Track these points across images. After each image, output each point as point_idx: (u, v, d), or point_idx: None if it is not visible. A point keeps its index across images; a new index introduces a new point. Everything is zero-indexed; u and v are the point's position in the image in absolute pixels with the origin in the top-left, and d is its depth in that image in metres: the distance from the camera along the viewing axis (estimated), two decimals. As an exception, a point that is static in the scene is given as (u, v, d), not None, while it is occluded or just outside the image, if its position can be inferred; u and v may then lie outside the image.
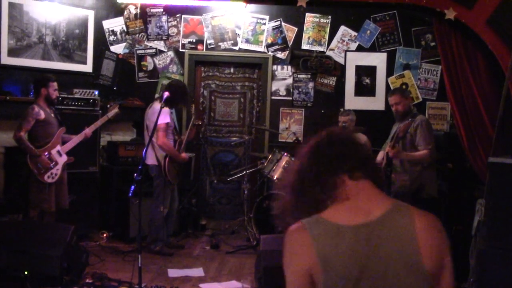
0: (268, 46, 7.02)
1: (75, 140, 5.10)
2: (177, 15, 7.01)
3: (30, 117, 4.80)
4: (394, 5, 5.05)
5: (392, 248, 1.41)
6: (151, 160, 5.28)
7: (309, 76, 7.01)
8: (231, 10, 6.92)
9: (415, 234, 1.42)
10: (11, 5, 5.83)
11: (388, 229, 1.43)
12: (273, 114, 7.07)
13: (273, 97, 7.07)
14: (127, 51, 7.02)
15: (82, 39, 6.50)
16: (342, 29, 6.97)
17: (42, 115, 4.87)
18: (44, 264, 4.00)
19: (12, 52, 5.84)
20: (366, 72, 6.99)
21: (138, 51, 7.04)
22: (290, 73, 7.04)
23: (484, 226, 3.64)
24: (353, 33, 6.96)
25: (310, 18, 6.96)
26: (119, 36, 6.96)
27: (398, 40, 6.94)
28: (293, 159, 5.81)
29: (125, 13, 6.97)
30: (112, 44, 6.94)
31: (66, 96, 5.73)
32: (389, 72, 6.96)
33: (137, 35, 7.03)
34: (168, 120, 5.19)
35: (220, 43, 7.03)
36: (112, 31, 6.93)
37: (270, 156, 5.94)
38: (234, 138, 7.21)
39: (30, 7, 5.98)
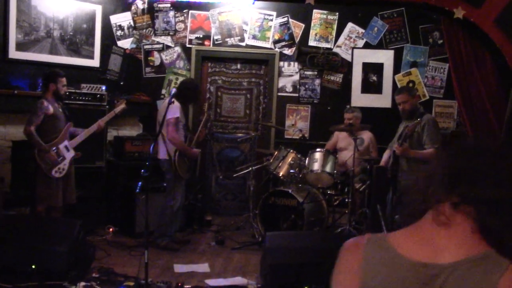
0: (275, 42, 7.01)
1: (86, 132, 5.12)
2: (184, 11, 7.01)
3: (39, 111, 4.82)
4: (403, 3, 5.03)
5: None
6: (162, 154, 5.30)
7: (315, 72, 7.01)
8: (238, 6, 6.92)
9: None
10: None
11: (456, 281, 1.08)
12: (279, 111, 7.07)
13: (279, 94, 7.07)
14: (134, 46, 7.03)
15: (89, 34, 6.51)
16: (350, 26, 6.95)
17: (51, 109, 4.89)
18: (50, 259, 4.03)
19: (20, 47, 5.85)
20: (373, 70, 6.97)
21: (145, 46, 7.05)
22: (297, 70, 7.03)
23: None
24: (361, 30, 6.95)
25: (317, 15, 6.95)
26: (126, 31, 6.97)
27: (405, 37, 6.91)
28: (299, 156, 5.83)
29: (133, 8, 6.98)
30: (119, 39, 6.95)
31: (73, 91, 5.75)
32: (396, 69, 6.94)
33: (144, 30, 7.03)
34: (177, 114, 5.21)
35: (227, 39, 7.02)
36: (120, 26, 6.94)
37: (276, 153, 5.95)
38: (240, 134, 7.22)
39: (38, 1, 5.99)
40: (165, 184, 5.47)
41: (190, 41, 7.05)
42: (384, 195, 4.34)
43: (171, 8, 7.00)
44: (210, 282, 4.32)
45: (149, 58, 7.06)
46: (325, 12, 6.93)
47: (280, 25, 6.98)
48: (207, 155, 7.16)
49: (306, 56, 6.91)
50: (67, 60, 6.27)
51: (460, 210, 1.13)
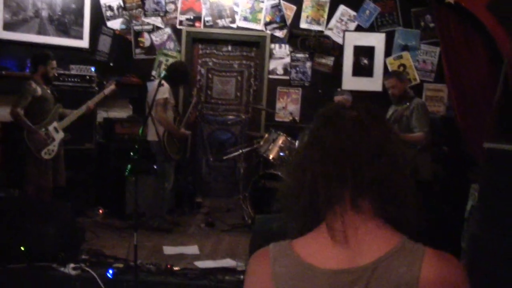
0: (266, 24, 6.96)
1: (75, 114, 5.08)
2: (175, -9, 6.93)
3: (27, 93, 4.77)
4: (395, -14, 5.00)
5: None
6: (151, 136, 5.30)
7: (307, 55, 6.98)
8: (229, -13, 6.85)
9: (416, 286, 1.02)
10: (7, -22, 5.75)
11: (379, 280, 1.03)
12: (270, 93, 7.05)
13: (270, 76, 7.04)
14: (124, 27, 6.95)
15: (78, 14, 6.42)
16: (341, 8, 6.91)
17: (39, 91, 4.85)
18: (40, 241, 4.03)
19: (7, 27, 5.78)
20: (364, 53, 6.95)
21: (135, 27, 6.97)
22: (288, 52, 7.00)
23: (477, 211, 3.68)
24: (352, 13, 6.91)
25: (309, -3, 6.90)
26: (116, 11, 6.88)
27: (397, 20, 6.88)
28: (289, 139, 5.83)
29: (122, -12, 6.89)
30: (108, 20, 6.86)
31: (62, 72, 5.70)
32: (388, 53, 6.92)
33: (134, 11, 6.94)
34: (166, 95, 5.19)
35: (218, 21, 6.96)
36: (109, 6, 6.84)
37: (266, 136, 5.95)
38: (231, 117, 7.21)
39: (25, -20, 5.90)
40: (155, 166, 5.47)
41: (181, 22, 6.98)
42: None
43: (162, -12, 6.91)
44: (200, 264, 4.34)
45: (139, 39, 6.99)
46: (317, -6, 6.88)
47: (272, 7, 6.92)
48: (197, 137, 7.15)
49: (298, 38, 6.87)
50: (56, 41, 6.20)
51: (361, 207, 1.07)
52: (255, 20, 6.95)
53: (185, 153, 6.19)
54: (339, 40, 6.94)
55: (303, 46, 6.88)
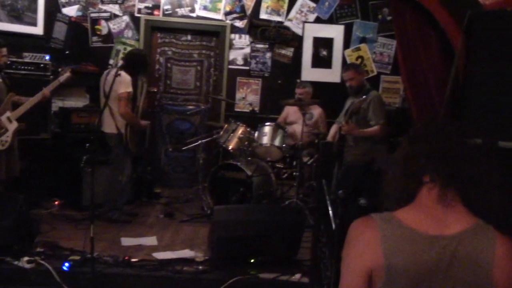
0: (226, 14, 6.93)
1: (30, 101, 4.93)
2: (133, -22, 6.80)
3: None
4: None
5: (464, 269, 1.33)
6: (109, 128, 5.20)
7: (267, 46, 7.00)
8: (189, -25, 6.77)
9: (493, 259, 1.33)
10: (-45, -39, 5.52)
11: (464, 248, 1.34)
12: (230, 84, 7.05)
13: (230, 66, 7.03)
14: (80, 14, 6.78)
15: (32, 0, 6.22)
16: (301, 0, 6.96)
17: (-11, 80, 4.69)
18: (-7, 234, 3.93)
19: (-44, 11, 5.55)
20: (323, 44, 7.03)
21: (92, 15, 6.81)
22: (248, 43, 7.00)
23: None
24: (312, 4, 6.97)
25: (269, -13, 6.91)
26: (72, -3, 6.71)
27: (355, 13, 6.99)
28: (249, 129, 5.86)
29: (78, -27, 6.71)
30: (64, 6, 6.69)
31: (15, 60, 5.52)
32: (346, 44, 7.03)
33: (91, -3, 6.79)
34: (130, 89, 5.12)
35: (177, 9, 6.89)
36: (65, -8, 6.67)
37: (226, 126, 5.95)
38: (190, 107, 7.17)
39: (-25, -37, 5.68)
40: (112, 157, 5.39)
41: (139, 10, 6.87)
42: (330, 170, 4.45)
43: (119, -25, 6.78)
44: (158, 255, 4.33)
45: (96, 26, 6.84)
46: (277, -15, 6.90)
47: (232, -3, 6.90)
48: (156, 127, 7.08)
49: (258, 29, 6.88)
50: (8, 27, 6.01)
51: (451, 190, 1.39)
52: (215, 10, 6.91)
53: (143, 144, 6.12)
54: (298, 31, 6.99)
55: (263, 36, 6.89)
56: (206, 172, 5.99)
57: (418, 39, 4.79)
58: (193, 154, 7.03)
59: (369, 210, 1.52)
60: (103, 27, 6.85)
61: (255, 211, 4.54)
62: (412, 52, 4.84)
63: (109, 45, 6.87)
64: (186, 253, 4.43)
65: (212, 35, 7.11)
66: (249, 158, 5.84)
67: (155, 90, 6.97)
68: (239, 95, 7.06)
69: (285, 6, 6.96)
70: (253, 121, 6.20)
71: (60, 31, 6.61)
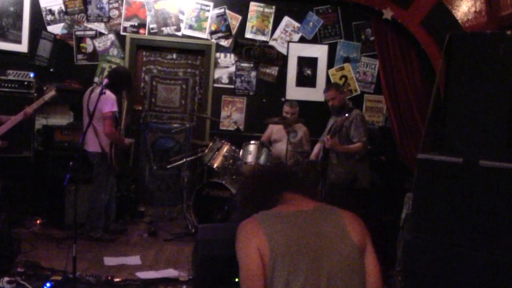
0: (212, 33, 6.99)
1: (13, 120, 4.88)
2: (119, -3, 6.84)
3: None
4: (336, 1, 5.16)
5: (325, 226, 1.79)
6: (93, 147, 5.18)
7: (251, 65, 7.06)
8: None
9: (343, 220, 1.83)
10: None
11: (320, 215, 1.85)
12: (215, 102, 7.07)
13: (215, 85, 7.07)
14: (65, 31, 6.78)
15: (17, 17, 6.23)
16: (286, 19, 7.04)
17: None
18: (-28, 253, 3.87)
19: None
20: (307, 63, 7.11)
21: (77, 33, 6.82)
22: (233, 61, 7.06)
23: (411, 219, 3.83)
24: (296, 24, 7.06)
25: (254, 7, 6.99)
26: (57, 15, 6.71)
27: (339, 33, 7.09)
28: (233, 147, 5.87)
29: (64, -8, 6.72)
30: (49, 24, 6.69)
31: (-1, 77, 5.49)
32: (330, 64, 7.11)
33: (76, 16, 6.80)
34: (115, 108, 5.12)
35: (163, 28, 6.93)
36: (50, 10, 6.67)
37: (210, 144, 5.97)
38: (175, 125, 7.17)
39: (-40, -19, 5.66)
40: (94, 176, 5.36)
41: (125, 28, 6.89)
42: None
43: (105, -7, 6.80)
44: (141, 274, 4.30)
45: (81, 44, 6.84)
46: (262, 5, 6.98)
47: (217, 16, 6.97)
48: (141, 145, 7.06)
49: (243, 48, 6.94)
50: (-8, 44, 5.97)
51: (290, 192, 1.99)
52: (201, 29, 6.96)
53: (128, 162, 6.09)
54: (283, 50, 7.07)
55: (248, 55, 6.95)
56: (190, 190, 5.97)
57: (399, 59, 4.89)
58: (177, 172, 7.02)
59: None
60: (88, 45, 6.85)
61: (239, 230, 4.52)
62: (394, 72, 4.94)
63: (94, 63, 6.87)
64: (170, 272, 4.41)
65: (197, 53, 7.15)
66: (234, 177, 5.84)
67: (140, 108, 6.97)
68: (224, 113, 7.09)
69: (270, 25, 7.04)
70: (238, 139, 6.22)
71: (45, 48, 6.60)
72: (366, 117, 6.59)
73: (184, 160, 6.08)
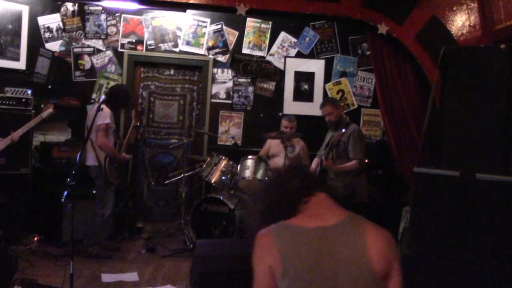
0: (209, 49, 7.04)
1: (2, 144, 4.88)
2: (117, 14, 6.89)
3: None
4: (331, 17, 5.21)
5: (344, 250, 1.61)
6: (91, 161, 5.20)
7: (249, 80, 7.10)
8: (172, 11, 6.88)
9: (365, 241, 1.62)
10: None
11: (341, 234, 1.64)
12: (213, 117, 7.10)
13: (213, 100, 7.10)
14: (63, 48, 6.83)
15: (15, 35, 6.26)
16: (282, 35, 7.10)
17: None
18: (-31, 271, 3.85)
19: None
20: (304, 78, 7.15)
21: (75, 49, 6.87)
22: (230, 77, 7.09)
23: (409, 232, 3.83)
24: (293, 39, 7.11)
25: (251, 23, 7.04)
26: (55, 33, 6.76)
27: (336, 47, 7.14)
28: (231, 162, 5.88)
29: (62, 9, 6.78)
30: (47, 41, 6.73)
31: (-4, 94, 5.51)
32: (327, 78, 7.15)
33: (74, 33, 6.85)
34: (108, 120, 5.13)
35: (161, 44, 6.97)
36: (48, 27, 6.72)
37: (208, 159, 5.97)
38: (173, 140, 7.18)
39: (-42, -1, 5.71)
40: (94, 191, 5.36)
41: (122, 45, 6.94)
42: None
43: (103, 11, 6.86)
44: (139, 291, 4.28)
45: (79, 61, 6.88)
46: (259, 20, 7.04)
47: (214, 32, 7.02)
48: (139, 161, 7.07)
49: (240, 63, 6.98)
50: (-10, 62, 6.00)
51: (313, 194, 1.79)
52: (198, 45, 7.01)
53: (126, 177, 6.09)
54: (280, 65, 7.11)
55: (245, 71, 6.99)
56: (189, 205, 5.97)
57: (395, 73, 4.92)
58: (175, 187, 7.01)
59: None
60: (86, 62, 6.89)
61: (237, 245, 4.51)
62: (390, 86, 4.96)
63: (92, 79, 6.91)
64: (168, 289, 4.38)
65: (195, 69, 7.19)
66: (232, 192, 5.84)
67: (138, 124, 6.99)
68: (221, 128, 7.11)
69: (267, 41, 7.09)
70: (236, 154, 6.22)
71: (43, 65, 6.63)
72: (364, 131, 6.62)
73: (182, 175, 6.09)
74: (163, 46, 6.98)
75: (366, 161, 5.00)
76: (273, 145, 6.37)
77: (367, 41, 6.88)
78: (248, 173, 5.76)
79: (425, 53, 4.59)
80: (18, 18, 6.28)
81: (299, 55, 7.13)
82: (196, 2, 4.72)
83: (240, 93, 7.11)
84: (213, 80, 7.08)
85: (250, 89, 7.11)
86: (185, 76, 7.23)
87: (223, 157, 5.90)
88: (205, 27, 6.99)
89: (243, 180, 5.79)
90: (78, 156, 4.05)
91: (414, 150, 4.81)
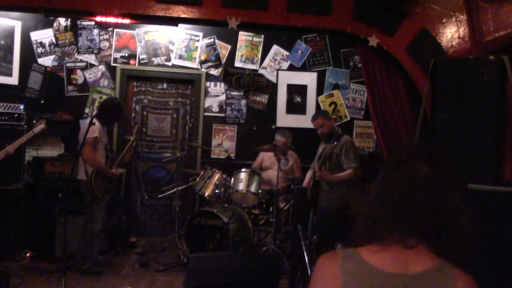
0: (202, 62, 7.06)
1: None
2: (109, 29, 6.91)
3: None
4: (322, 30, 5.25)
5: None
6: (81, 175, 5.18)
7: (241, 93, 7.12)
8: (164, 26, 6.91)
9: None
10: None
11: (425, 286, 1.35)
12: (206, 130, 7.10)
13: (206, 114, 7.11)
14: (56, 63, 6.83)
15: (7, 51, 6.27)
16: (275, 48, 7.14)
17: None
18: (-40, 288, 3.81)
19: None
20: (297, 91, 7.18)
21: (68, 64, 6.87)
22: (223, 90, 7.12)
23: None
24: (285, 53, 7.15)
25: (243, 37, 7.08)
26: (47, 48, 6.77)
27: (328, 60, 7.19)
28: (225, 176, 5.88)
29: (55, 24, 6.80)
30: (40, 56, 6.74)
31: (-12, 110, 5.50)
32: (319, 91, 7.19)
33: (67, 48, 6.86)
34: (96, 134, 5.11)
35: (153, 59, 7.00)
36: (40, 43, 6.73)
37: (202, 173, 5.97)
38: (166, 154, 7.17)
39: (-49, 16, 5.72)
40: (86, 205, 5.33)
41: (115, 59, 6.95)
42: (306, 215, 4.47)
43: (95, 26, 6.88)
44: (132, 306, 4.24)
45: (71, 76, 6.89)
46: (251, 34, 7.09)
47: (207, 46, 7.05)
48: (132, 175, 7.04)
49: (232, 77, 7.01)
50: (-18, 78, 6.00)
51: (409, 241, 1.38)
52: (190, 59, 7.04)
53: (118, 192, 6.06)
54: (272, 78, 7.15)
55: (237, 84, 7.02)
56: (182, 219, 5.94)
57: (387, 85, 4.95)
58: (169, 201, 6.98)
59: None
60: (79, 77, 6.90)
61: (231, 259, 4.49)
62: (381, 98, 4.99)
63: (85, 94, 6.91)
64: (161, 303, 4.35)
65: (187, 83, 7.21)
66: (226, 205, 5.83)
67: (131, 138, 6.96)
68: (214, 141, 7.11)
69: (259, 54, 7.13)
70: (229, 167, 6.22)
71: (35, 80, 6.63)
72: (357, 143, 6.65)
73: (176, 189, 6.07)
74: (156, 60, 7.00)
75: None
76: (266, 157, 6.38)
77: (358, 54, 6.94)
78: (241, 186, 5.76)
79: (416, 65, 4.63)
80: (10, 34, 6.30)
81: (291, 68, 7.18)
82: (188, 16, 4.74)
83: (233, 106, 7.13)
84: (206, 93, 7.10)
85: (243, 102, 7.13)
86: (178, 90, 7.25)
87: (217, 171, 5.90)
88: (198, 41, 7.03)
89: (237, 193, 5.79)
90: (70, 171, 4.05)
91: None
